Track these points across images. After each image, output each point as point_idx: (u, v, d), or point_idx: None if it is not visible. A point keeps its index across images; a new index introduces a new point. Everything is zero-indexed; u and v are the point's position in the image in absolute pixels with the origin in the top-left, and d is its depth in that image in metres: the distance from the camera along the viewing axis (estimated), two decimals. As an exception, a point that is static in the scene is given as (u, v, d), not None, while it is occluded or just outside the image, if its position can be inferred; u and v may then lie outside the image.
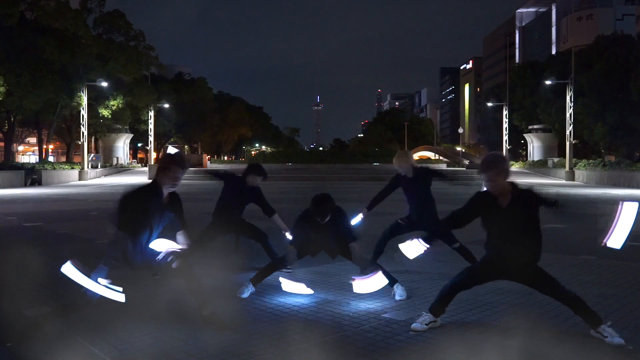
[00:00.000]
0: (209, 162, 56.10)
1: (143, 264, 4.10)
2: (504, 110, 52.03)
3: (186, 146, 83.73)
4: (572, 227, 11.09)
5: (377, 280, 4.88)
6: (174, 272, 4.21)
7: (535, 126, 53.49)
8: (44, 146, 48.42)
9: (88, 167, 38.87)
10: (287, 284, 5.14)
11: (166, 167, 4.06)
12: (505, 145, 52.46)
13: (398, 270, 6.26)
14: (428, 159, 71.71)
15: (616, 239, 3.72)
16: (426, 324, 4.14)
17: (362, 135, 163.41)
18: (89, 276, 3.75)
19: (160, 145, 69.59)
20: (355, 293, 5.35)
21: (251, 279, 5.26)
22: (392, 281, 5.15)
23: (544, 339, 3.96)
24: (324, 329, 4.19)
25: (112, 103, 44.38)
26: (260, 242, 6.34)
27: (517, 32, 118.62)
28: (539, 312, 4.67)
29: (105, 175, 41.58)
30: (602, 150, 47.02)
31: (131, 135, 55.10)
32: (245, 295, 5.15)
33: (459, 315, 4.55)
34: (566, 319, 4.42)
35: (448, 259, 7.09)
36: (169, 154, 4.19)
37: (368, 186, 29.33)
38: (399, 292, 5.10)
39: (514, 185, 4.01)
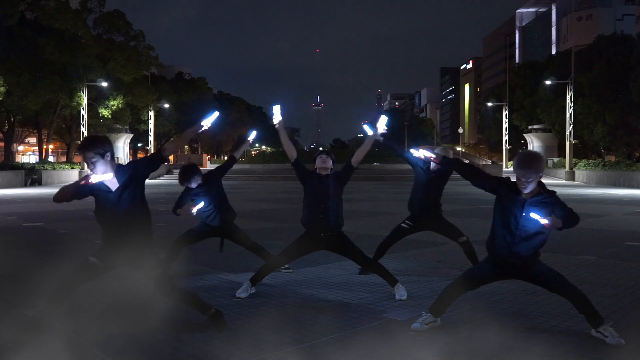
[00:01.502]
0: (209, 162, 56.14)
1: None
2: (504, 110, 52.05)
3: (186, 146, 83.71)
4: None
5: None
6: (163, 295, 4.06)
7: (535, 126, 53.47)
8: (44, 146, 48.40)
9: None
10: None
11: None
12: (505, 145, 52.46)
13: (399, 270, 6.26)
14: (428, 159, 71.55)
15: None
16: (426, 324, 4.14)
17: (362, 135, 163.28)
18: None
19: (160, 146, 69.53)
20: (354, 293, 5.35)
21: (250, 279, 5.25)
22: (393, 281, 5.15)
23: (545, 339, 3.96)
24: (323, 329, 4.19)
25: (112, 103, 44.37)
26: (249, 248, 6.09)
27: (517, 32, 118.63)
28: (539, 312, 4.67)
29: (105, 175, 41.51)
30: (602, 150, 46.98)
31: (131, 135, 55.04)
32: (244, 295, 5.14)
33: (459, 314, 4.55)
34: (566, 319, 4.42)
35: (448, 259, 7.10)
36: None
37: (368, 186, 29.33)
38: (399, 292, 5.10)
39: (541, 184, 3.95)
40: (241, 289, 5.19)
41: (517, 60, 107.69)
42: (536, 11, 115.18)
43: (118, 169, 3.86)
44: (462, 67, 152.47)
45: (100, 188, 3.84)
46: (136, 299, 5.08)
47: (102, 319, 4.44)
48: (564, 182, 36.50)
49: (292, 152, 5.18)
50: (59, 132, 50.39)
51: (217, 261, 6.94)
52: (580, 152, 48.04)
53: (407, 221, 6.01)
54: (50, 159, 60.10)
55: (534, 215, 3.84)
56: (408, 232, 6.04)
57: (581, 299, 3.97)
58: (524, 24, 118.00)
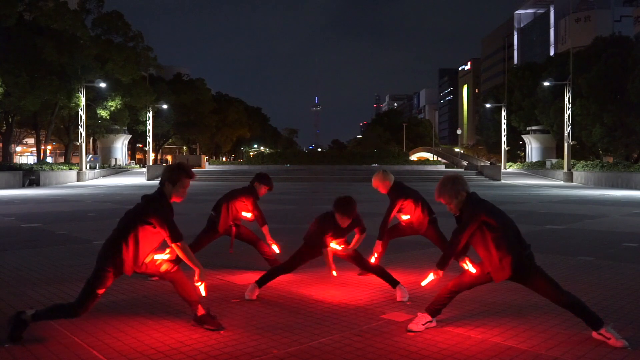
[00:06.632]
0: (207, 163, 56.08)
1: None
2: (503, 111, 52.09)
3: (184, 147, 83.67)
4: (570, 228, 11.11)
5: None
6: (164, 276, 4.20)
7: (533, 127, 53.56)
8: (42, 147, 48.39)
9: (86, 168, 38.80)
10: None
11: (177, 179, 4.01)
12: (504, 147, 52.49)
13: (399, 270, 6.26)
14: (426, 160, 71.74)
15: None
16: (423, 324, 4.15)
17: (360, 136, 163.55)
18: None
19: (158, 147, 69.48)
20: (354, 293, 5.36)
21: (257, 281, 5.26)
22: (394, 283, 5.18)
23: (543, 339, 3.96)
24: (323, 330, 4.20)
25: (110, 104, 44.33)
26: (255, 246, 6.34)
27: (515, 33, 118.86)
28: (537, 312, 4.67)
29: (103, 176, 41.53)
30: (600, 152, 47.10)
31: (129, 136, 55.04)
32: (251, 297, 5.14)
33: (457, 315, 4.56)
34: (566, 319, 4.43)
35: (447, 260, 7.09)
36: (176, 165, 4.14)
37: (367, 187, 29.34)
38: (399, 293, 5.11)
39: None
40: (249, 289, 5.20)
41: (515, 61, 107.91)
42: (534, 12, 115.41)
43: None
44: (460, 69, 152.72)
45: None
46: (133, 297, 5.09)
47: (100, 319, 4.44)
48: (562, 183, 36.53)
49: None
50: (57, 132, 50.36)
51: (217, 261, 6.94)
52: (578, 153, 48.15)
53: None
54: (49, 159, 60.03)
55: None
56: (405, 230, 6.19)
57: (574, 305, 3.96)
58: (522, 25, 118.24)
